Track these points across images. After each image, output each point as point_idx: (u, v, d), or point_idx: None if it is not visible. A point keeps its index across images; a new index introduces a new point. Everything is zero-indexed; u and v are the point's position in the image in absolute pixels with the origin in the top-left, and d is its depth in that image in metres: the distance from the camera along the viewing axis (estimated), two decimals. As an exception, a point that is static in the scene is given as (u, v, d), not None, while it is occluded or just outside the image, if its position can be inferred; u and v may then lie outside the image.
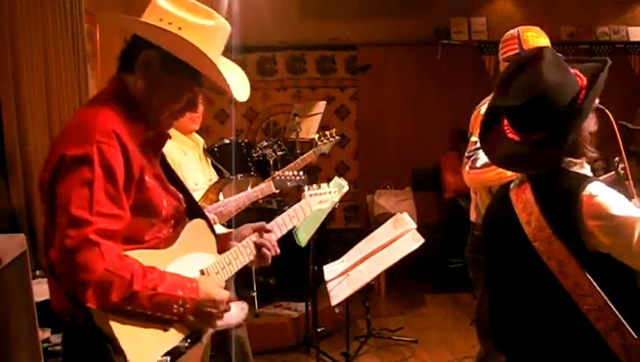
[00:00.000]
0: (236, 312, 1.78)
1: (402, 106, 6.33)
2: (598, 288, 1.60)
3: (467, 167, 2.57)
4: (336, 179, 3.16)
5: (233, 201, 2.72)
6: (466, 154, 2.61)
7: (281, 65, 6.35)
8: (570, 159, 1.71)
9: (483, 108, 2.68)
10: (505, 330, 1.88)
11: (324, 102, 5.21)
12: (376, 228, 3.01)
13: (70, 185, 1.45)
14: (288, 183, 3.02)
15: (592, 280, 1.60)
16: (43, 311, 2.77)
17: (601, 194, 1.62)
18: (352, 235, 5.70)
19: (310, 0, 6.15)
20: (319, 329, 4.15)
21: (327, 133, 3.88)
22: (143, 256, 1.53)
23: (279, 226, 1.95)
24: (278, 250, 1.92)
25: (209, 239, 1.78)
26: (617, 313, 1.60)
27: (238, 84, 1.72)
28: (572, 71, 1.71)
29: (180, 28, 1.57)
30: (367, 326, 4.47)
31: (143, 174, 1.59)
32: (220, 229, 1.99)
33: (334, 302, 2.71)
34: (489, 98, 2.70)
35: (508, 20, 6.39)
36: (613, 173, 3.10)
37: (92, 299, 1.40)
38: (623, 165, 3.05)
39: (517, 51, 2.66)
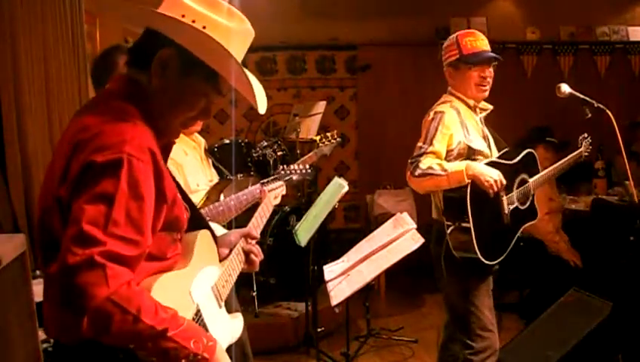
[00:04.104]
0: (239, 326, 1.78)
1: (402, 106, 6.32)
2: None
3: (409, 173, 2.60)
4: (336, 179, 3.16)
5: (235, 199, 2.68)
6: (410, 160, 2.63)
7: (281, 65, 6.35)
8: None
9: (432, 113, 2.69)
10: None
11: (324, 102, 5.20)
12: (376, 228, 3.00)
13: (88, 196, 1.25)
14: (294, 177, 2.92)
15: None
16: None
17: None
18: (352, 235, 5.68)
19: (310, 0, 6.15)
20: (319, 329, 4.14)
21: (329, 134, 3.85)
22: (168, 281, 1.40)
23: (255, 228, 1.99)
24: (262, 255, 1.92)
25: (214, 250, 1.72)
26: None
27: (259, 94, 1.52)
28: None
29: (204, 27, 1.39)
30: (367, 326, 4.47)
31: (176, 194, 1.45)
32: (219, 231, 1.98)
33: (334, 302, 2.71)
34: (441, 104, 2.74)
35: (508, 20, 6.40)
36: (581, 149, 3.15)
37: (88, 328, 1.22)
38: (588, 142, 3.17)
39: (457, 57, 2.72)
